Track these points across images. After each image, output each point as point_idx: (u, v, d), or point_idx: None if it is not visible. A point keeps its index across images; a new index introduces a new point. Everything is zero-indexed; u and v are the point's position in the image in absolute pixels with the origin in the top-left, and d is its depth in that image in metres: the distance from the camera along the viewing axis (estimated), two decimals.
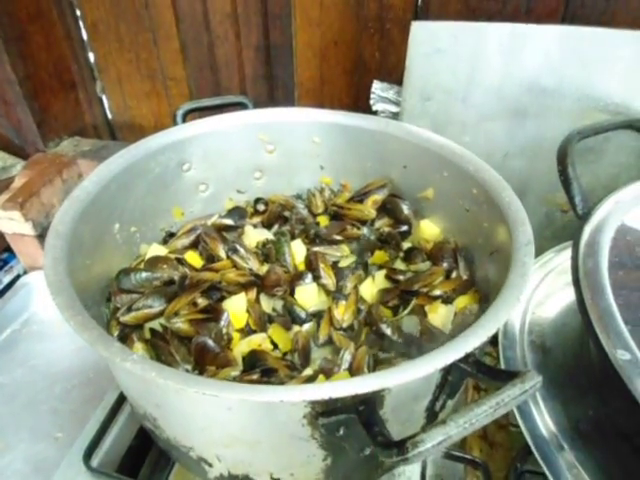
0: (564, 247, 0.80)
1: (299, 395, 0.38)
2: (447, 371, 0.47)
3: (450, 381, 0.48)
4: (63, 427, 0.93)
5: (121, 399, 0.73)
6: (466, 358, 0.45)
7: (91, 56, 1.20)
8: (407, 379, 0.39)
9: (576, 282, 0.55)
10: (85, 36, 1.17)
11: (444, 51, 0.79)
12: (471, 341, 0.42)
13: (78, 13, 1.14)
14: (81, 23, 1.15)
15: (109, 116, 1.28)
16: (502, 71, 0.80)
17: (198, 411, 0.45)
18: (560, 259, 0.79)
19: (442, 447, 0.35)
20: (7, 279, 1.17)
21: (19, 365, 1.02)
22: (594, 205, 0.64)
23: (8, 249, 1.16)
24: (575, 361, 0.64)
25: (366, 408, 0.41)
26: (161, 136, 0.74)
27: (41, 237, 1.05)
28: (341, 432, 0.43)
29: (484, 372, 0.44)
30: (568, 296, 0.75)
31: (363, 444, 0.45)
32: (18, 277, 1.17)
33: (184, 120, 0.81)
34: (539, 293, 0.75)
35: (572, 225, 0.97)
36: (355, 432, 0.43)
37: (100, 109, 1.27)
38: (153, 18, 1.08)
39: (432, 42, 0.79)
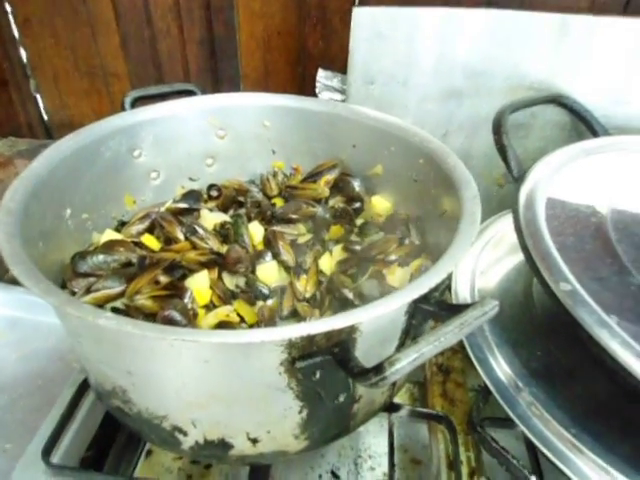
0: (499, 216, 0.87)
1: (279, 334, 0.39)
2: (411, 314, 0.50)
3: (414, 325, 0.51)
4: (11, 438, 0.87)
5: (80, 391, 0.70)
6: (428, 298, 0.48)
7: (23, 53, 1.16)
8: (378, 313, 0.42)
9: (519, 230, 0.60)
10: (16, 33, 1.12)
11: (384, 36, 0.84)
12: (433, 278, 0.46)
13: (8, 8, 1.09)
14: (11, 19, 1.10)
15: (44, 116, 1.23)
16: (437, 54, 0.86)
17: (173, 370, 0.45)
18: (495, 229, 0.85)
19: (416, 364, 0.37)
20: None
21: None
22: (528, 168, 0.71)
23: None
24: (521, 310, 0.70)
25: (340, 349, 0.43)
26: (112, 120, 0.73)
27: None
28: (317, 375, 0.44)
29: (447, 309, 0.47)
30: (509, 261, 0.81)
31: (339, 388, 0.47)
32: None
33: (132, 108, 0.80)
34: (482, 261, 0.81)
35: (508, 199, 1.05)
36: (331, 374, 0.45)
37: (34, 108, 1.21)
38: (91, 12, 1.06)
39: (373, 27, 0.83)
